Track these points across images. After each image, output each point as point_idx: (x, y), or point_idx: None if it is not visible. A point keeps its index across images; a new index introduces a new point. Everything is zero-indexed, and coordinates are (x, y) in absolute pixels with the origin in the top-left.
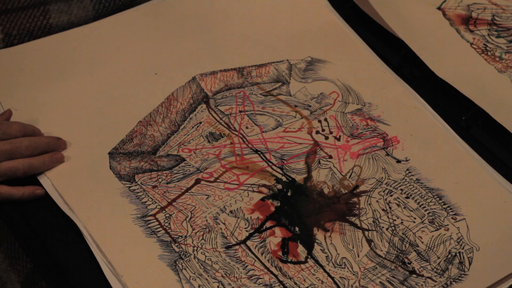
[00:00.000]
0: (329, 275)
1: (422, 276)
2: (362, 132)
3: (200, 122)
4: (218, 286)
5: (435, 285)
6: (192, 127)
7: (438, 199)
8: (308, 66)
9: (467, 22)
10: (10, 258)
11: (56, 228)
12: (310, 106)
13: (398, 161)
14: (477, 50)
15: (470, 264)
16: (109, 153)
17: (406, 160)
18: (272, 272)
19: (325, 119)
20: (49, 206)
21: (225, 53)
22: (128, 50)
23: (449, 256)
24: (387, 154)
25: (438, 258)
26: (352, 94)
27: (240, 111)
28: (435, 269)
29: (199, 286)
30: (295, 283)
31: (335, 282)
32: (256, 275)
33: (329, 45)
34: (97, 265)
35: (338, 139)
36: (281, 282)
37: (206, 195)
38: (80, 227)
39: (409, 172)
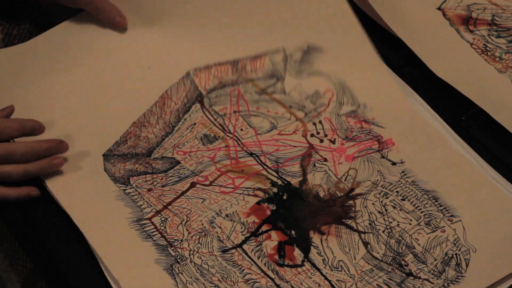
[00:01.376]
0: (326, 278)
1: (419, 278)
2: (357, 135)
3: (195, 124)
4: None
5: (432, 287)
6: (187, 129)
7: (434, 200)
8: (304, 56)
9: (467, 22)
10: (10, 258)
11: (56, 228)
12: (304, 107)
13: (394, 163)
14: (477, 50)
15: (467, 265)
16: (103, 155)
17: (402, 162)
18: (268, 276)
19: (320, 122)
20: (49, 206)
21: (220, 38)
22: (120, 43)
23: (446, 258)
24: (382, 157)
25: (435, 260)
26: (347, 93)
27: (235, 111)
28: (432, 271)
29: None
30: (292, 287)
31: (332, 285)
32: (252, 279)
33: (327, 28)
34: (97, 266)
35: (333, 142)
36: (278, 285)
37: (202, 198)
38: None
39: (405, 174)
